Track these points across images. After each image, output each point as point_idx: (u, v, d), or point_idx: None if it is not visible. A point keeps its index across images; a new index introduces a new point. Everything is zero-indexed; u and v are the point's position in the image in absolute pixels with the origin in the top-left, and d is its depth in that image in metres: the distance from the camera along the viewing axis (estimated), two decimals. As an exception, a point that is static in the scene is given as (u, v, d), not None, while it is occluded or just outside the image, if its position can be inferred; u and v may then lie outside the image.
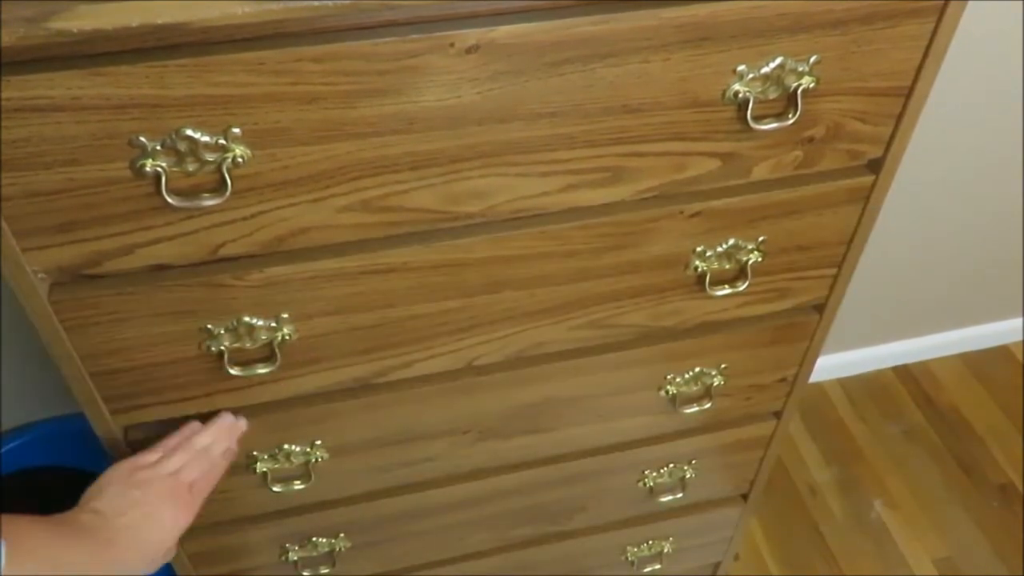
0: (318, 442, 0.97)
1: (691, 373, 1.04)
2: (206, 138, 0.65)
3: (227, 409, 0.89)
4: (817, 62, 0.75)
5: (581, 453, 1.13)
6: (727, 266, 0.92)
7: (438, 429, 1.01)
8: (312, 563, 1.14)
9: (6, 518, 0.66)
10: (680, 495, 1.24)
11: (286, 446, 0.96)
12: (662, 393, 1.06)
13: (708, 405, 1.08)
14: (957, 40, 0.77)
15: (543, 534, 1.27)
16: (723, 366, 1.05)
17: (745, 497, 1.34)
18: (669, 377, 1.04)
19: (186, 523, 0.83)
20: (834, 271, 0.97)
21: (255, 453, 0.95)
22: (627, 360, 1.00)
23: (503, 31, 0.66)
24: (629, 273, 0.89)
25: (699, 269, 0.91)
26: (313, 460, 0.98)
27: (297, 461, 0.98)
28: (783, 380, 1.11)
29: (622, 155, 0.77)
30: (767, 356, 1.06)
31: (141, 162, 0.66)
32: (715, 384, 1.06)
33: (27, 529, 0.69)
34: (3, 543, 0.64)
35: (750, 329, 1.01)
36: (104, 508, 0.78)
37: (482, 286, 0.85)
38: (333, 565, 1.15)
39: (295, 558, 1.12)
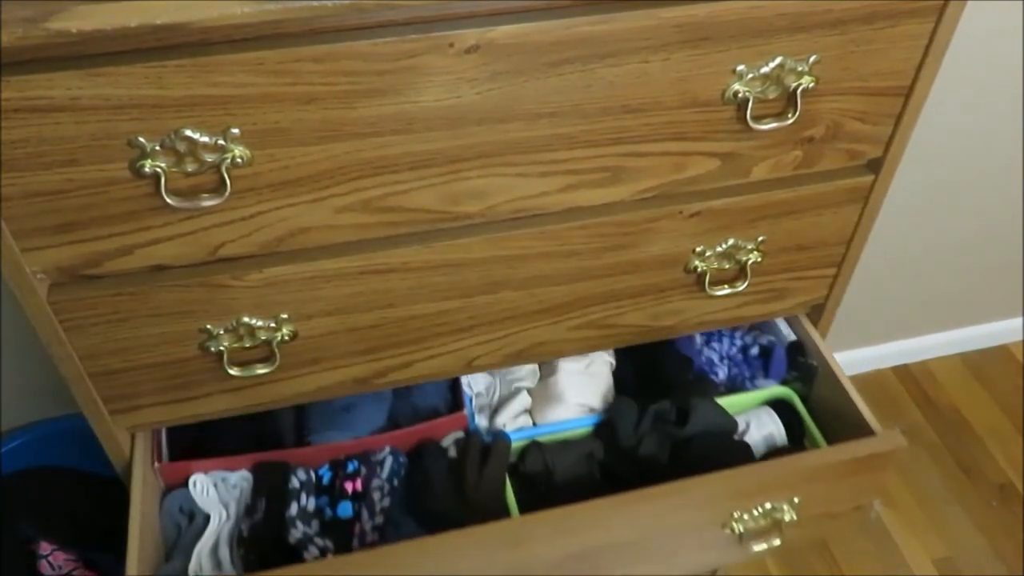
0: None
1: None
2: (205, 138, 0.65)
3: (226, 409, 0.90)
4: (816, 62, 0.75)
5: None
6: (726, 266, 0.92)
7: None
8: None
9: None
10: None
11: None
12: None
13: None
14: (957, 40, 0.77)
15: None
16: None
17: (745, 497, 1.33)
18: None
19: None
20: (833, 271, 0.97)
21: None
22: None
23: (502, 31, 0.66)
24: (628, 273, 0.89)
25: (698, 269, 0.91)
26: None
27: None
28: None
29: (621, 155, 0.77)
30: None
31: (140, 162, 0.66)
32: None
33: None
34: None
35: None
36: None
37: (481, 286, 0.85)
38: None
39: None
